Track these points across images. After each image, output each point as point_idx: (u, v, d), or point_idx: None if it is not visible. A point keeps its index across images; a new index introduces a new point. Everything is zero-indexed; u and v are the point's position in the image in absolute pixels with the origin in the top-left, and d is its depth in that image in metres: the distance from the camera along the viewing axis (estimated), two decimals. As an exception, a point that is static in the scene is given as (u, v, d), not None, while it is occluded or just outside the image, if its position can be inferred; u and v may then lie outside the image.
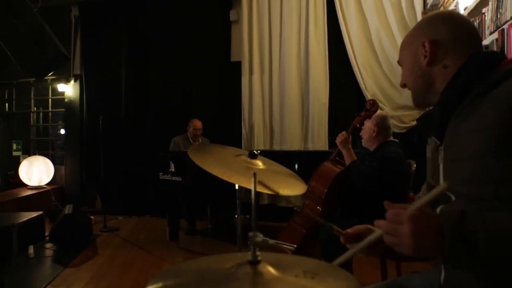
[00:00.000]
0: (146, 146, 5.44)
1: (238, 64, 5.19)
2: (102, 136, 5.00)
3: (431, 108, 1.12)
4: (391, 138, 2.56)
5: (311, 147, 4.89)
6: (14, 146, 6.36)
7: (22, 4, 3.62)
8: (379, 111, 2.60)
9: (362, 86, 4.71)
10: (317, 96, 4.87)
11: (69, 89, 5.77)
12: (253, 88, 5.10)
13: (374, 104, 2.44)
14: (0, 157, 6.09)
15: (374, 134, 2.49)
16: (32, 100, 6.10)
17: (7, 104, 6.23)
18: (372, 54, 4.75)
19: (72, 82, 5.76)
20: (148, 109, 5.51)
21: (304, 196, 2.54)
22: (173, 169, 3.78)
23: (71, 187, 5.82)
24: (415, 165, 2.56)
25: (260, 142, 5.10)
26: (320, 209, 2.31)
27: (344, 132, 2.45)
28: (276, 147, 5.04)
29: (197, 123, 4.53)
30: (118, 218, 5.16)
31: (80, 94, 5.78)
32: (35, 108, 6.20)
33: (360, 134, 2.59)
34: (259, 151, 1.58)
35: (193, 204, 4.44)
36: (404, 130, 4.68)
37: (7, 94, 6.15)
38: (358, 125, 2.46)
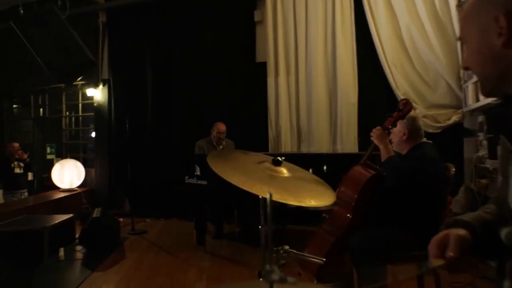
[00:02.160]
0: (172, 149, 5.47)
1: (264, 65, 5.11)
2: (129, 139, 5.08)
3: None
4: (424, 140, 2.40)
5: (340, 149, 4.74)
6: (48, 150, 6.57)
7: (51, 12, 3.70)
8: (408, 112, 2.44)
9: (392, 85, 4.52)
10: (346, 96, 4.71)
11: (97, 94, 5.89)
12: (279, 89, 5.01)
13: (407, 104, 2.29)
14: (36, 160, 6.30)
15: (404, 137, 2.35)
16: (64, 105, 6.27)
17: (41, 109, 6.43)
18: (403, 51, 4.55)
19: (100, 86, 5.87)
20: (173, 112, 5.53)
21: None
22: (198, 173, 3.75)
23: (101, 190, 5.94)
24: (453, 169, 2.39)
25: (287, 145, 5.01)
26: (350, 217, 2.19)
27: (379, 127, 2.31)
28: (304, 150, 4.93)
29: (221, 126, 4.49)
30: (146, 220, 5.20)
31: (109, 98, 5.88)
32: (67, 113, 6.37)
33: (390, 137, 2.44)
34: (283, 158, 1.49)
35: (219, 208, 4.40)
36: (439, 130, 4.46)
37: (41, 100, 6.36)
38: (390, 127, 2.31)
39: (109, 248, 3.79)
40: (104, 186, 5.91)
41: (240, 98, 5.22)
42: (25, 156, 5.27)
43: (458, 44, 4.33)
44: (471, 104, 4.08)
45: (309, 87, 4.90)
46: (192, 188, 3.82)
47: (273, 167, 1.46)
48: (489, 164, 3.48)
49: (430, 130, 4.45)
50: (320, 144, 4.85)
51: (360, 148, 4.66)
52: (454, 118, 4.39)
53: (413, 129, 2.36)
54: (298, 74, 4.95)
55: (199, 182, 3.73)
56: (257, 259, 3.56)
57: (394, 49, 4.55)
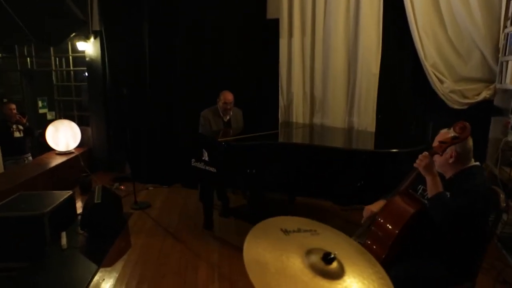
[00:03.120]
0: (174, 111, 5.09)
1: (276, 23, 4.52)
2: (127, 98, 4.68)
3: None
4: (473, 163, 2.09)
5: (356, 122, 4.39)
6: (40, 104, 6.15)
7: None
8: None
9: (421, 54, 4.04)
10: (367, 65, 4.24)
11: (89, 47, 5.31)
12: (293, 52, 4.49)
13: (465, 130, 1.93)
14: (28, 115, 5.91)
15: (451, 160, 2.03)
16: (53, 58, 5.70)
17: (28, 60, 5.86)
18: (437, 15, 3.99)
19: (92, 39, 5.27)
20: (175, 71, 5.02)
21: (365, 227, 2.18)
22: (206, 158, 3.44)
23: (99, 150, 5.65)
24: (502, 196, 2.12)
25: (299, 115, 4.64)
26: (385, 255, 1.96)
27: (426, 153, 1.98)
28: (317, 121, 4.58)
29: (228, 96, 4.07)
30: (149, 188, 5.01)
31: (101, 52, 5.32)
32: (57, 65, 5.83)
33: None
34: (335, 253, 1.19)
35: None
36: (466, 107, 4.10)
37: (26, 51, 5.77)
38: (440, 154, 1.98)
39: (113, 232, 3.62)
40: (102, 147, 5.62)
41: (249, 60, 4.71)
42: (24, 120, 4.87)
43: (502, 10, 3.78)
44: (509, 84, 3.67)
45: (326, 51, 4.39)
46: (199, 173, 3.54)
47: (324, 266, 1.17)
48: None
49: (456, 107, 4.11)
50: (335, 116, 4.49)
51: (378, 124, 4.33)
52: (485, 94, 4.01)
53: (464, 152, 2.04)
54: (315, 36, 4.40)
55: (207, 168, 3.44)
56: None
57: (427, 13, 3.98)
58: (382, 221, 1.99)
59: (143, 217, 4.10)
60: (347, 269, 1.22)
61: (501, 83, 3.86)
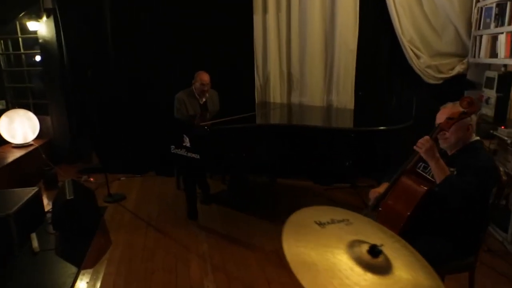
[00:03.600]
0: (144, 94, 4.75)
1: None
2: (90, 82, 4.31)
3: None
4: (474, 138, 2.07)
5: (335, 101, 4.34)
6: (-14, 92, 5.54)
7: None
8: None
9: (398, 30, 4.01)
10: (344, 41, 4.16)
11: (42, 28, 4.81)
12: (268, 29, 4.31)
13: (472, 104, 1.88)
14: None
15: (456, 139, 2.00)
16: (-2, 40, 5.12)
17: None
18: (413, -10, 3.96)
19: (44, 18, 4.76)
20: (143, 51, 4.66)
21: (371, 210, 2.12)
22: (187, 144, 3.24)
23: (60, 141, 5.22)
24: (502, 169, 2.13)
25: (276, 94, 4.51)
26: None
27: (427, 137, 1.93)
28: (295, 100, 4.47)
29: (204, 77, 3.84)
30: (121, 179, 4.71)
31: (57, 32, 4.83)
32: (3, 49, 5.25)
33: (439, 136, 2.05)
34: (382, 245, 1.09)
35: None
36: (441, 81, 4.16)
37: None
38: (447, 130, 1.93)
39: (90, 229, 3.35)
40: (64, 137, 5.19)
41: (221, 38, 4.46)
42: None
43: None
44: (483, 57, 3.74)
45: (302, 28, 4.25)
46: (180, 160, 3.34)
47: (371, 259, 1.07)
48: (501, 132, 3.28)
49: (432, 81, 4.16)
50: (313, 94, 4.41)
51: (356, 100, 4.30)
52: (458, 69, 4.08)
53: (473, 127, 2.02)
54: (291, 12, 4.24)
55: (189, 154, 3.24)
56: (253, 231, 3.35)
57: (403, -13, 3.94)
58: (391, 202, 1.94)
59: (119, 210, 3.84)
60: (393, 261, 1.13)
61: (474, 57, 3.94)
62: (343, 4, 4.05)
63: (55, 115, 5.17)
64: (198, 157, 3.20)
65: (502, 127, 3.29)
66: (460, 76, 4.14)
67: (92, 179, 4.61)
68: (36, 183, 4.42)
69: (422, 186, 1.90)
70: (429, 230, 2.03)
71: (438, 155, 1.91)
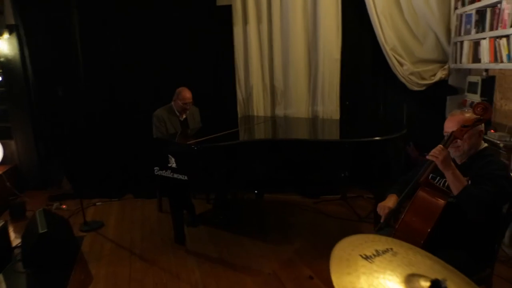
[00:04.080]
0: (118, 112, 4.46)
1: (228, 9, 4.16)
2: (59, 102, 4.00)
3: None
4: (483, 145, 1.99)
5: (321, 111, 4.24)
6: None
7: None
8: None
9: (381, 38, 4.00)
10: (328, 50, 4.10)
11: (3, 45, 4.44)
12: (249, 40, 4.18)
13: (487, 110, 1.80)
14: None
15: (470, 145, 1.91)
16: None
17: None
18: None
19: (5, 35, 4.41)
20: (116, 66, 4.39)
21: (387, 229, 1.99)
22: (174, 165, 3.01)
23: (27, 166, 4.80)
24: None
25: (259, 107, 4.36)
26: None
27: (441, 146, 1.82)
28: (280, 113, 4.34)
29: (187, 94, 3.65)
30: (97, 204, 4.37)
31: (20, 49, 4.48)
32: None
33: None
34: (445, 280, 0.94)
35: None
36: (424, 88, 4.16)
37: None
38: (461, 138, 1.84)
39: (67, 264, 3.02)
40: (31, 162, 4.77)
41: (201, 52, 4.29)
42: None
43: (452, -8, 3.87)
44: (465, 63, 3.76)
45: (285, 38, 4.15)
46: (166, 183, 3.10)
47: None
48: (491, 136, 3.27)
49: (416, 88, 4.16)
50: (298, 106, 4.30)
51: (342, 111, 4.22)
52: (440, 74, 4.11)
53: (482, 134, 1.94)
54: (272, 22, 4.13)
55: (175, 176, 3.01)
56: (248, 253, 3.14)
57: (384, -4, 3.94)
58: (410, 218, 1.81)
59: (98, 239, 3.52)
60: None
61: (456, 63, 3.96)
62: (325, 13, 3.99)
63: (20, 139, 4.77)
64: (186, 178, 2.97)
65: (492, 131, 3.29)
66: (442, 82, 4.16)
67: (64, 206, 4.24)
68: (0, 215, 4.01)
69: (440, 199, 1.78)
70: (445, 243, 1.91)
71: (453, 164, 1.81)
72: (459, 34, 3.85)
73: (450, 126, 1.95)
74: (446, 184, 1.93)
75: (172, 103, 3.75)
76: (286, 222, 3.82)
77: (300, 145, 3.03)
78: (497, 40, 3.21)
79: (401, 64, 4.05)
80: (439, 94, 4.22)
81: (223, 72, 4.32)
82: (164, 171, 3.08)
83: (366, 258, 1.04)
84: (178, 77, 4.14)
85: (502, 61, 3.16)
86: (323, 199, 4.27)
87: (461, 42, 3.82)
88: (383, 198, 3.29)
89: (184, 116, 3.81)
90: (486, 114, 1.79)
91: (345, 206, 4.09)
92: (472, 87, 3.77)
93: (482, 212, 1.74)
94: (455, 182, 1.78)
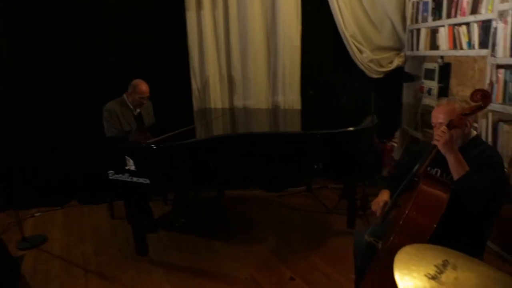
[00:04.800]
0: (56, 107, 3.88)
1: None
2: None
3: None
4: (473, 133, 1.94)
5: (282, 101, 4.07)
6: None
7: None
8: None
9: (341, 24, 3.91)
10: (288, 37, 3.92)
11: None
12: (203, 27, 3.85)
13: (486, 96, 1.73)
14: None
15: (466, 132, 1.85)
16: None
17: None
18: (352, -15, 3.88)
19: None
20: (54, 55, 3.77)
21: (386, 227, 1.86)
22: (133, 167, 2.65)
23: None
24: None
25: (217, 99, 4.07)
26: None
27: (444, 127, 1.72)
28: (238, 103, 4.09)
29: (143, 87, 3.28)
30: (35, 215, 3.81)
31: None
32: None
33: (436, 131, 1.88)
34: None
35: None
36: (382, 75, 4.17)
37: None
38: (459, 128, 1.76)
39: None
40: None
41: (150, 40, 3.87)
42: None
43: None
44: (423, 50, 3.82)
45: (242, 25, 3.89)
46: (123, 188, 2.73)
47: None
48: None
49: (375, 76, 4.15)
50: (258, 97, 4.08)
51: (304, 100, 4.09)
52: (397, 62, 4.15)
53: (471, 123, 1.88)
54: (228, 8, 3.83)
55: (135, 179, 2.65)
56: (219, 257, 2.91)
57: (343, -18, 3.84)
58: (415, 214, 1.69)
59: (43, 257, 3.03)
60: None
61: (412, 50, 4.01)
62: (284, -3, 3.80)
63: None
64: (148, 181, 2.63)
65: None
66: (398, 70, 4.20)
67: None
68: None
69: (443, 192, 1.69)
70: (439, 236, 1.84)
71: (457, 148, 1.72)
72: (416, 22, 3.89)
73: (437, 116, 1.86)
74: (444, 174, 1.86)
75: (125, 95, 3.35)
76: (254, 220, 3.63)
77: (276, 139, 2.84)
78: (456, 27, 3.25)
79: (360, 52, 4.01)
80: (395, 82, 4.26)
81: (177, 61, 3.95)
82: (121, 175, 2.70)
83: (432, 278, 0.87)
84: (126, 67, 3.70)
85: (462, 48, 3.22)
86: (287, 192, 4.14)
87: (418, 30, 3.86)
88: (354, 188, 3.28)
89: (138, 110, 3.42)
90: (485, 100, 1.72)
91: (311, 198, 4.00)
92: (429, 74, 3.83)
93: (483, 200, 1.69)
94: (457, 167, 1.70)
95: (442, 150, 1.72)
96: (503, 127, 2.71)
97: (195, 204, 3.89)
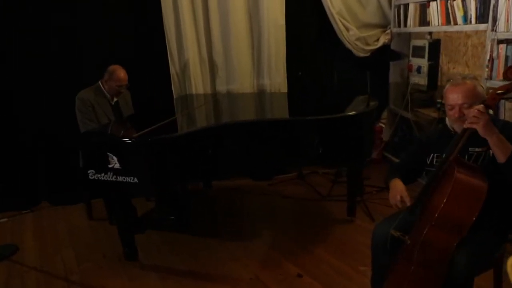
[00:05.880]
0: (18, 101, 3.45)
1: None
2: None
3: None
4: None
5: (268, 85, 3.84)
6: None
7: None
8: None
9: (327, 2, 3.71)
10: (273, 16, 3.68)
11: None
12: (180, 7, 3.51)
13: (521, 73, 1.59)
14: None
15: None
16: None
17: None
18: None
19: None
20: (14, 43, 3.32)
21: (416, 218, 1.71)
22: (117, 165, 2.35)
23: None
24: None
25: (198, 84, 3.78)
26: (456, 243, 1.56)
27: (482, 106, 1.55)
28: (221, 88, 3.83)
29: (121, 74, 2.97)
30: (0, 221, 3.41)
31: None
32: None
33: (459, 114, 1.72)
34: None
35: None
36: (369, 54, 4.04)
37: None
38: (494, 107, 1.61)
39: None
40: None
41: (126, 22, 3.50)
42: None
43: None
44: (412, 27, 3.70)
45: (222, 3, 3.58)
46: (107, 188, 2.43)
47: None
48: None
49: (361, 54, 4.01)
50: (242, 80, 3.83)
51: (290, 82, 3.88)
52: (383, 39, 4.03)
53: None
54: (206, -17, 3.52)
55: (120, 179, 2.36)
56: (217, 257, 2.71)
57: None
58: (452, 206, 1.54)
59: (15, 270, 2.68)
60: None
61: (399, 27, 3.88)
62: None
63: None
64: (136, 180, 2.35)
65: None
66: (384, 48, 4.08)
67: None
68: None
69: (481, 180, 1.55)
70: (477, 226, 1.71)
71: (496, 127, 1.57)
72: (403, -4, 3.75)
73: (453, 97, 1.71)
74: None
75: (100, 83, 3.01)
76: (247, 212, 3.44)
77: (279, 125, 2.64)
78: (449, 1, 3.13)
79: (347, 29, 3.84)
80: (381, 60, 4.14)
81: (153, 45, 3.60)
82: (103, 175, 2.39)
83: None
84: (97, 52, 3.34)
85: (456, 23, 3.11)
86: (278, 180, 3.97)
87: (406, 5, 3.72)
88: (359, 174, 3.16)
89: (115, 99, 3.09)
90: (520, 78, 1.58)
91: (302, 185, 3.85)
92: (417, 51, 3.72)
93: None
94: (502, 147, 1.54)
95: (482, 132, 1.54)
96: (506, 105, 2.64)
97: (183, 198, 3.63)
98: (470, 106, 1.64)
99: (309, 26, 3.92)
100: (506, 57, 2.62)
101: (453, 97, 1.72)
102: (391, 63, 4.16)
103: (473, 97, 1.68)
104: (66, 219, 3.41)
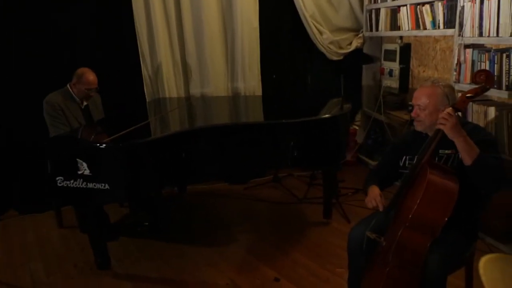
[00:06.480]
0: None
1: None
2: None
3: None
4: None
5: (242, 88, 3.83)
6: None
7: None
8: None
9: (300, 5, 3.74)
10: (247, 18, 3.69)
11: None
12: (152, 10, 3.45)
13: (490, 77, 1.63)
14: None
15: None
16: None
17: None
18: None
19: None
20: None
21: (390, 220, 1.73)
22: (87, 171, 2.27)
23: None
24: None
25: (171, 87, 3.73)
26: (429, 245, 1.59)
27: (451, 109, 1.59)
28: (195, 91, 3.78)
29: (90, 77, 2.87)
30: (-38, 233, 3.24)
31: None
32: None
33: (414, 114, 1.79)
34: None
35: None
36: (341, 57, 4.10)
37: None
38: (464, 110, 1.66)
39: None
40: None
41: (96, 26, 3.40)
42: None
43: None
44: (383, 31, 3.77)
45: (195, 5, 3.55)
46: (77, 196, 2.34)
47: None
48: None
49: (335, 58, 4.07)
50: (216, 83, 3.80)
51: (265, 85, 3.88)
52: (356, 43, 4.09)
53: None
54: (179, -14, 3.47)
55: (90, 185, 2.28)
56: (192, 263, 2.67)
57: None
58: (425, 208, 1.57)
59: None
60: None
61: (371, 31, 3.96)
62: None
63: None
64: (107, 187, 2.27)
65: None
66: (356, 51, 4.15)
67: None
68: None
69: (453, 181, 1.59)
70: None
71: (463, 130, 1.61)
72: (375, 2, 3.82)
73: (420, 97, 1.76)
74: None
75: (69, 86, 2.91)
76: (223, 217, 3.40)
77: (253, 128, 2.62)
78: (419, 6, 3.22)
79: (320, 33, 3.88)
80: (354, 63, 4.20)
81: (125, 46, 3.52)
82: (72, 181, 2.30)
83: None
84: (65, 55, 3.22)
85: (425, 28, 3.19)
86: (253, 183, 3.95)
87: (377, 10, 3.80)
88: (334, 177, 3.19)
89: (85, 103, 2.99)
90: (489, 81, 1.63)
91: (278, 188, 3.85)
92: (389, 55, 3.81)
93: (498, 181, 1.60)
94: (468, 150, 1.57)
95: (450, 134, 1.58)
96: (473, 107, 2.72)
97: (157, 203, 3.55)
98: (425, 109, 1.71)
99: (283, 29, 3.94)
100: (473, 62, 2.71)
101: (417, 96, 1.79)
102: (363, 66, 4.24)
103: (431, 100, 1.72)
104: (34, 228, 3.26)
